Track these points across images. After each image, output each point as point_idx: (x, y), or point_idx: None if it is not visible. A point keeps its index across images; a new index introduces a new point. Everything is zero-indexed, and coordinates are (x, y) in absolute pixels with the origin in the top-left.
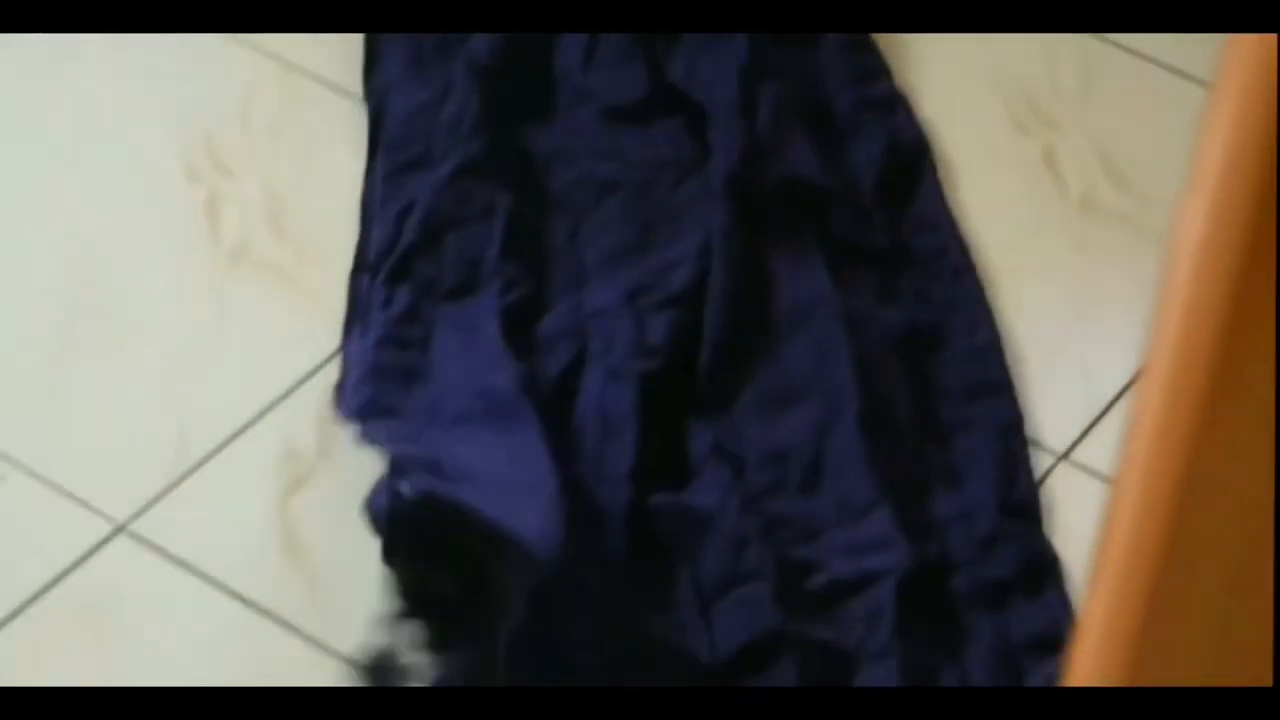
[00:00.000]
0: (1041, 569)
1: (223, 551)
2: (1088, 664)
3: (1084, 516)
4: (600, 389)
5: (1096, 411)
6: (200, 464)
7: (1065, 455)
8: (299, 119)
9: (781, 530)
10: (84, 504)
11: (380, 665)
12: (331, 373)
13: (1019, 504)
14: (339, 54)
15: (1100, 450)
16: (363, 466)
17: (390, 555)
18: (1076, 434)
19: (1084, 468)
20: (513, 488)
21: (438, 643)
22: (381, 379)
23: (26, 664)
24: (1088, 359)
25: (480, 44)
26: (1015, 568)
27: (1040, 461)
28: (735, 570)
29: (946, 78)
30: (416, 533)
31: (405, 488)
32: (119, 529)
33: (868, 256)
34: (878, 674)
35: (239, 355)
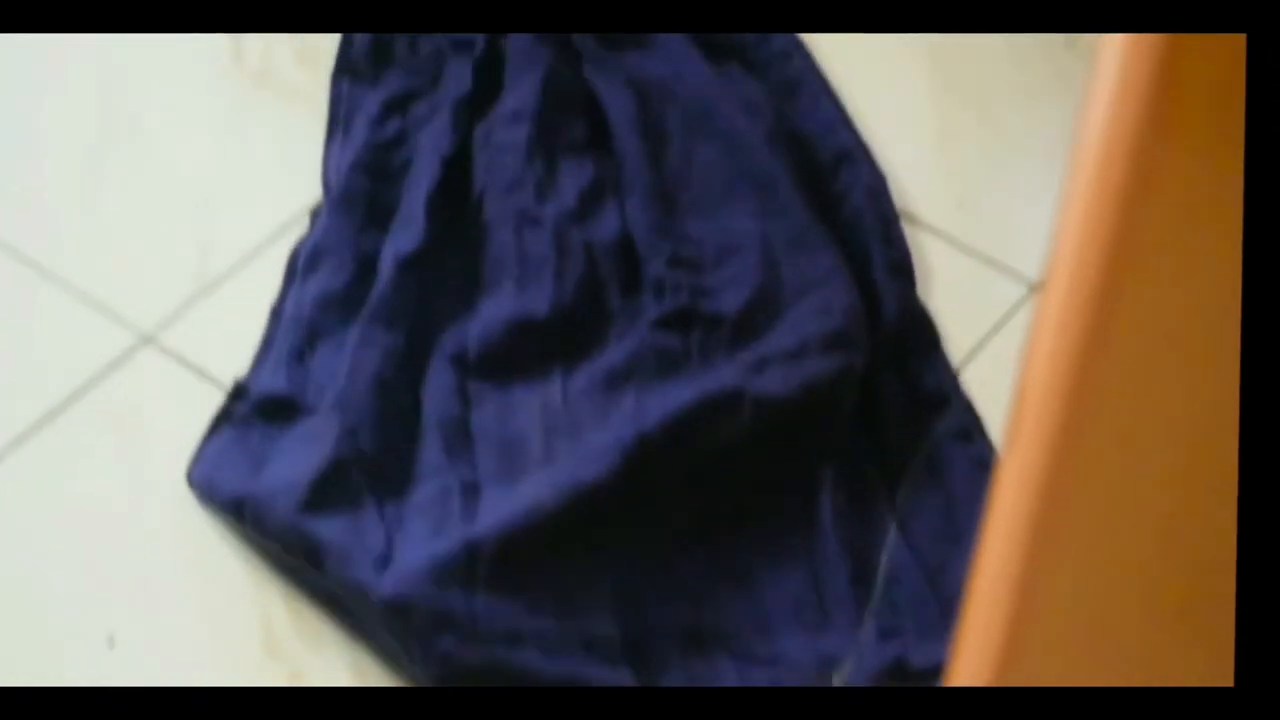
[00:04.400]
0: (923, 329)
1: (242, 362)
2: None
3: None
4: (516, 231)
5: None
6: (223, 279)
7: (1036, 288)
8: None
9: (747, 329)
10: (113, 315)
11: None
12: None
13: (898, 264)
14: None
15: None
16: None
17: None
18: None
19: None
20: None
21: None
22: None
23: (54, 467)
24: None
25: None
26: (902, 328)
27: (1012, 290)
28: (706, 380)
29: None
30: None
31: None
32: (145, 340)
33: (707, 47)
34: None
35: (260, 174)
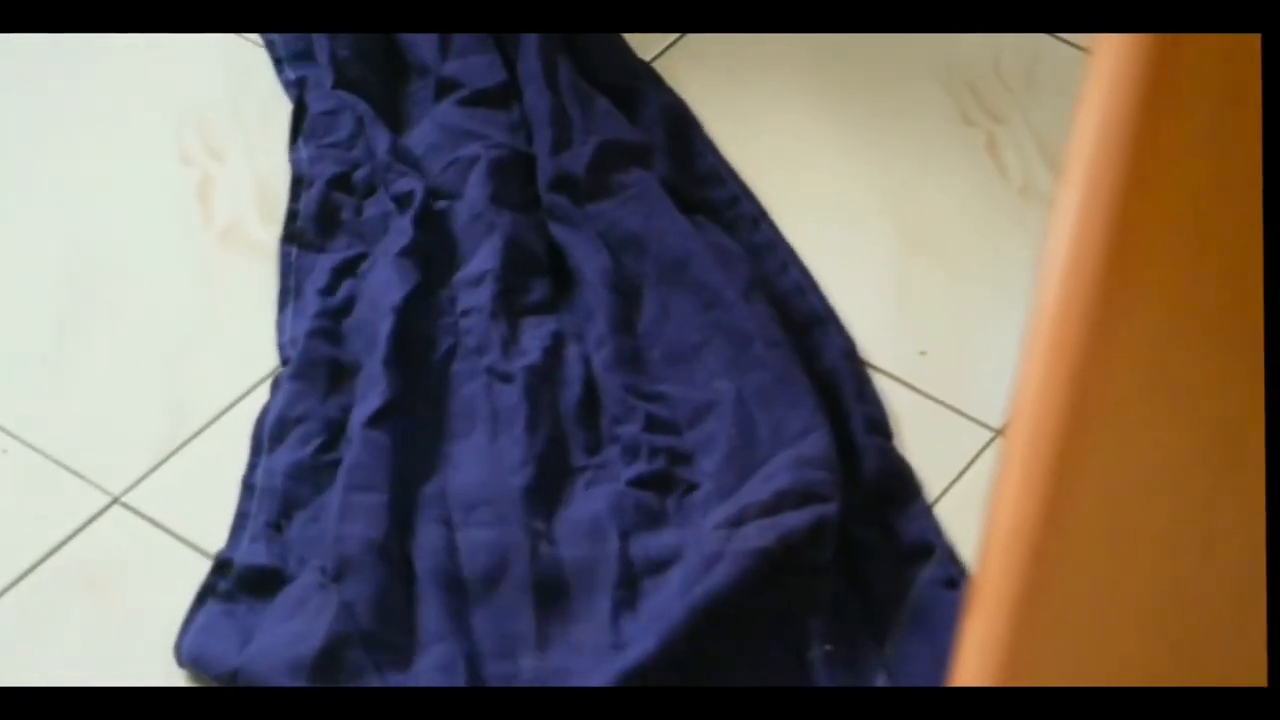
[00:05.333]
0: (904, 481)
1: (212, 522)
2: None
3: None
4: (486, 386)
5: None
6: (192, 438)
7: (1001, 432)
8: (285, 106)
9: (723, 489)
10: (81, 476)
11: None
12: None
13: (876, 421)
14: None
15: None
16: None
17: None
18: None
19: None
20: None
21: None
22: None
23: (28, 628)
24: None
25: (342, 39)
26: (884, 482)
27: (975, 437)
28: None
29: (896, 70)
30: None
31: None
32: (114, 500)
33: (690, 205)
34: (816, 588)
35: (229, 332)
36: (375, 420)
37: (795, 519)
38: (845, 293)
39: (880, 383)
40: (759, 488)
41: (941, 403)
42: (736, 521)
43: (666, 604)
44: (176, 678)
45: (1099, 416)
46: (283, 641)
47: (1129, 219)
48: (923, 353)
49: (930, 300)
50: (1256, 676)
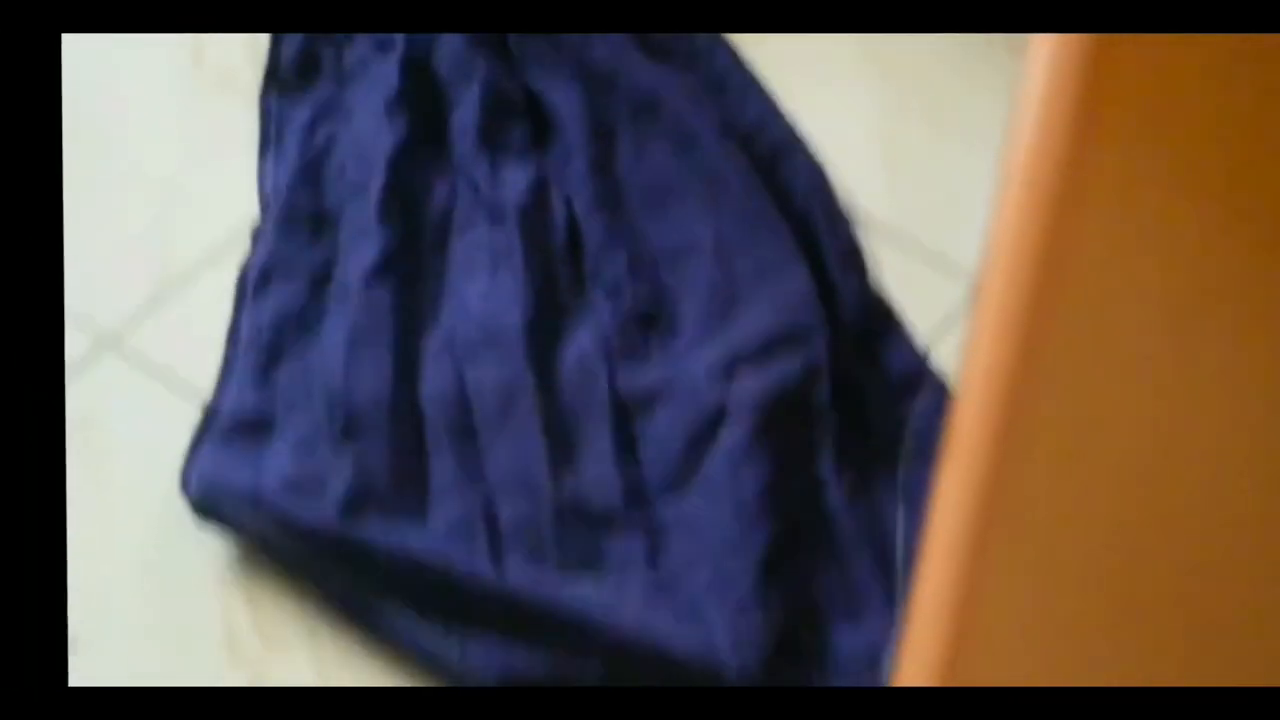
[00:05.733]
0: (884, 315)
1: (200, 366)
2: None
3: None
4: (478, 230)
5: None
6: (180, 282)
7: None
8: None
9: (706, 329)
10: (73, 319)
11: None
12: None
13: (849, 255)
14: None
15: None
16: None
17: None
18: None
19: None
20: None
21: None
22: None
23: None
24: None
25: None
26: (864, 316)
27: (957, 286)
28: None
29: None
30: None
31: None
32: (106, 345)
33: (643, 44)
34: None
35: (218, 177)
36: (373, 275)
37: (786, 364)
38: (828, 145)
39: (863, 233)
40: (743, 332)
41: (924, 253)
42: (729, 371)
43: (682, 457)
44: (163, 523)
45: (1072, 262)
46: (302, 485)
47: (1100, 66)
48: (904, 200)
49: (913, 151)
50: (1236, 540)
